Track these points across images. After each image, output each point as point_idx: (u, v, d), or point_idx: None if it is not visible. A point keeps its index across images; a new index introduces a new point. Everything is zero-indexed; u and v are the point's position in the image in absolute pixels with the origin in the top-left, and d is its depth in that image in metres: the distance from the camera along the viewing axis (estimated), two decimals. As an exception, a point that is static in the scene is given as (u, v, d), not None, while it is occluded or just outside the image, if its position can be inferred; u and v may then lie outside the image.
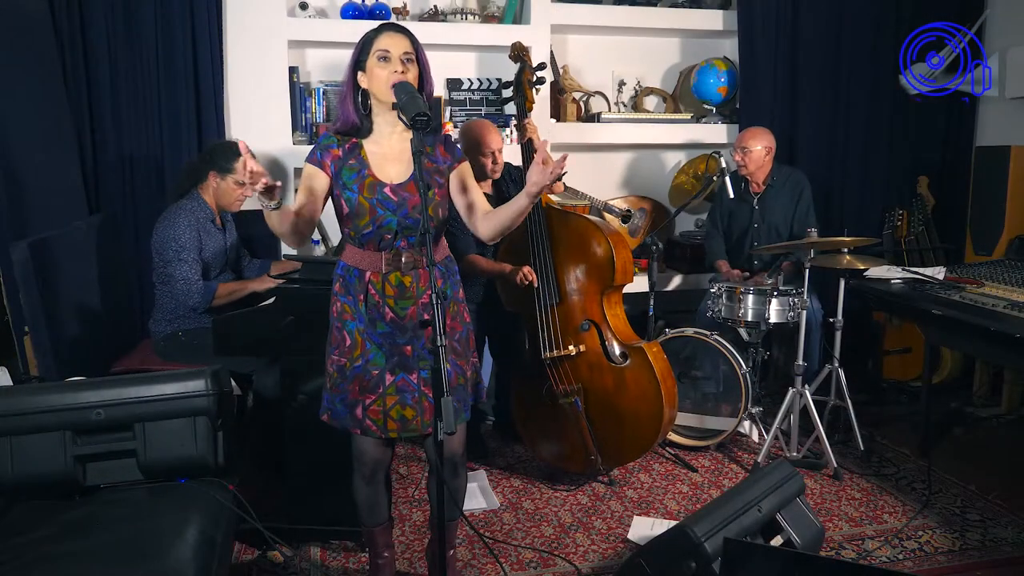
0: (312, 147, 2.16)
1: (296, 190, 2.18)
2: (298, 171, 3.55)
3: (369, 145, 2.12)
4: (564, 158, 2.02)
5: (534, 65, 3.21)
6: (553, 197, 3.39)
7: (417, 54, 2.06)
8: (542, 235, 3.04)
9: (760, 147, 3.64)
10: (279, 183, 1.93)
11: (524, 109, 3.20)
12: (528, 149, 3.17)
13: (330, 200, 2.15)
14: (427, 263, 1.86)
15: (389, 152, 2.11)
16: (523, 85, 3.18)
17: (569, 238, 3.04)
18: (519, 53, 3.22)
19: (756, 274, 3.70)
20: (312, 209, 2.10)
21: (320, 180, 2.11)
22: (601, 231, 3.00)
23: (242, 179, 3.06)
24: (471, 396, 2.25)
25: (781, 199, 3.72)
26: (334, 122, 2.19)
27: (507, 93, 3.27)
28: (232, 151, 3.09)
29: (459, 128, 3.32)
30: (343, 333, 2.13)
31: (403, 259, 2.09)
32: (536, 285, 3.02)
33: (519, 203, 2.08)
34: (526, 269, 3.01)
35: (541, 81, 3.23)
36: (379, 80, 2.02)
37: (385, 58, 2.01)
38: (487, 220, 2.18)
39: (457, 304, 2.21)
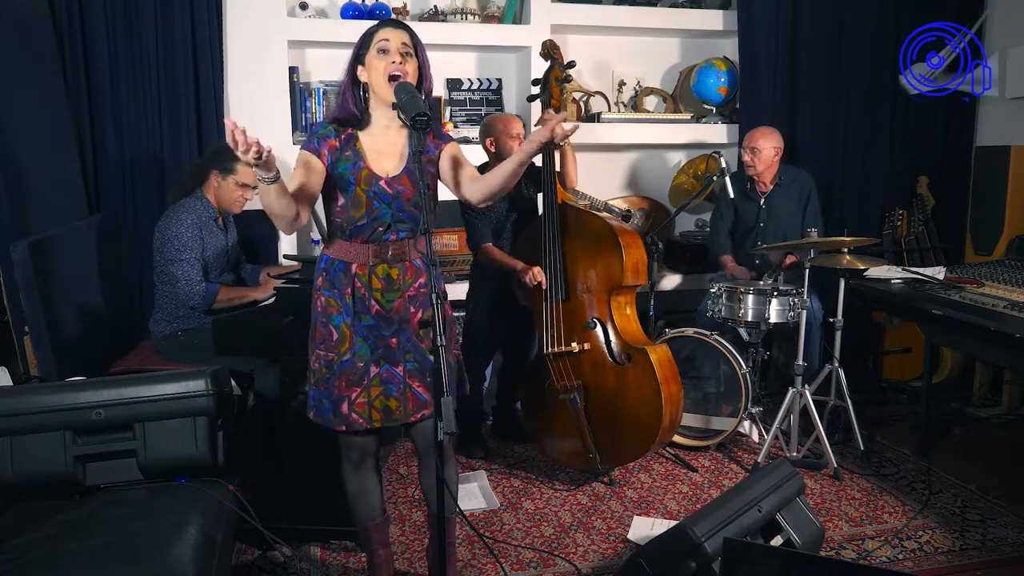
0: (308, 136, 2.15)
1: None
2: (298, 171, 3.57)
3: (365, 138, 2.12)
4: (562, 118, 2.01)
5: (565, 63, 3.20)
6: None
7: (416, 49, 2.07)
8: (555, 232, 3.05)
9: (770, 147, 3.64)
10: (270, 148, 1.84)
11: (548, 107, 3.21)
12: (548, 149, 3.17)
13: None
14: (425, 261, 1.86)
15: (384, 147, 2.12)
16: (550, 82, 3.17)
17: (581, 236, 3.06)
18: (549, 51, 3.21)
19: (759, 273, 3.69)
20: (310, 188, 2.06)
21: (317, 164, 2.08)
22: (614, 231, 3.00)
23: (244, 181, 3.08)
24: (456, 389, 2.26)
25: (788, 199, 3.72)
26: (332, 111, 2.19)
27: (535, 90, 3.27)
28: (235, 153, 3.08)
29: (481, 125, 3.38)
30: (329, 328, 2.13)
31: (390, 251, 2.09)
32: (545, 286, 3.05)
33: (516, 158, 2.04)
34: (535, 270, 3.06)
35: (568, 80, 3.23)
36: (377, 72, 2.03)
37: (384, 50, 2.03)
38: (475, 184, 2.14)
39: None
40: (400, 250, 2.10)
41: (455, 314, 2.32)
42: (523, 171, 2.08)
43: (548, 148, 3.15)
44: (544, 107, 3.20)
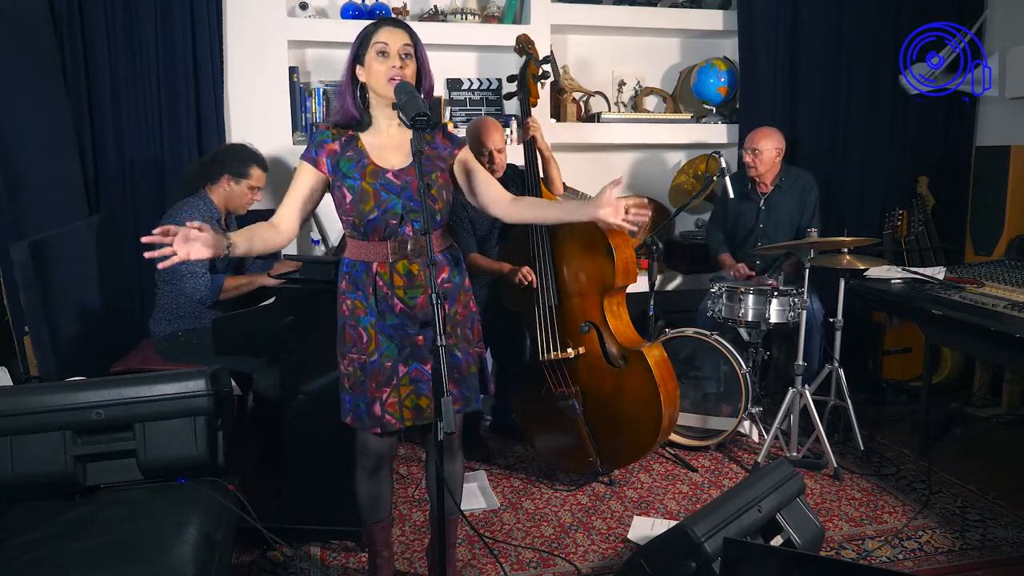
0: (307, 144, 2.15)
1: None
2: (299, 171, 3.57)
3: (367, 138, 2.11)
4: (645, 206, 2.12)
5: (540, 58, 3.14)
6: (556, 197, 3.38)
7: (416, 49, 2.06)
8: (543, 235, 3.02)
9: (771, 148, 3.63)
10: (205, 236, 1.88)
11: (527, 105, 3.16)
12: (530, 149, 3.14)
13: (327, 195, 2.16)
14: (427, 261, 1.85)
15: (388, 142, 2.11)
16: (527, 79, 3.11)
17: (571, 238, 3.02)
18: (524, 46, 3.15)
19: (759, 274, 3.69)
20: (310, 201, 2.13)
21: (314, 180, 2.11)
22: (602, 231, 2.96)
23: (256, 184, 3.10)
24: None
25: (788, 200, 3.71)
26: (333, 114, 2.19)
27: (511, 88, 3.20)
28: (248, 156, 3.09)
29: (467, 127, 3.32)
30: (358, 330, 2.12)
31: (409, 246, 2.08)
32: (535, 286, 3.00)
33: (570, 214, 2.23)
34: (524, 270, 3.00)
35: (546, 76, 3.17)
36: (377, 75, 2.02)
37: (384, 52, 2.02)
38: (519, 207, 2.26)
39: (465, 292, 2.21)
40: (419, 244, 2.08)
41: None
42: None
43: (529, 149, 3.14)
44: (523, 106, 3.15)
